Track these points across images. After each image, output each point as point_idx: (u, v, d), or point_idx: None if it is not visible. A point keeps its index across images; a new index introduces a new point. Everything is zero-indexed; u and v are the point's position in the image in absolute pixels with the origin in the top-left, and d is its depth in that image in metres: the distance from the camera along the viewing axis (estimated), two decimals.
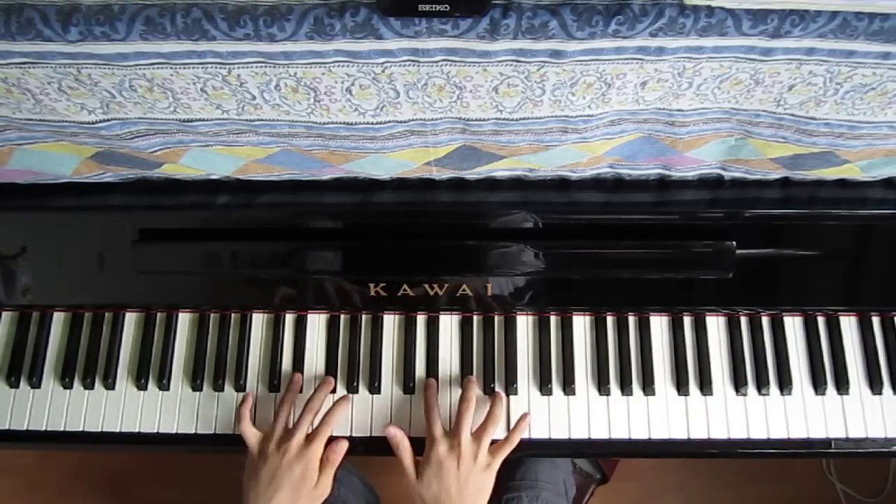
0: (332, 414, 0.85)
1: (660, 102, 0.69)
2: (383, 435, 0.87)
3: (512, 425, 0.87)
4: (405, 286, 0.87)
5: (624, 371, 0.90)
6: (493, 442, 0.83)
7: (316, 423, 0.85)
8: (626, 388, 0.90)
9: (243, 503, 0.80)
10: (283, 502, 0.78)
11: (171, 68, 0.61)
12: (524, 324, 0.93)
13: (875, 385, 0.89)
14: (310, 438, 0.82)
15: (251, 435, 0.84)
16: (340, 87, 0.64)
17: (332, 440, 0.85)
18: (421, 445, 0.84)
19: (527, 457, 1.00)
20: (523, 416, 0.87)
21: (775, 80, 0.64)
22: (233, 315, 0.94)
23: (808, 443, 0.87)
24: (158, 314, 0.94)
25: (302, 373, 0.91)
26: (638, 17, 0.55)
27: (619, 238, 0.85)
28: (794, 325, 0.92)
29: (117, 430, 0.90)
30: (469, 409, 0.83)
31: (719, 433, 0.88)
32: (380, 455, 0.89)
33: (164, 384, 0.91)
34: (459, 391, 0.89)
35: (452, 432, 0.82)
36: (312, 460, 0.80)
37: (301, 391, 0.89)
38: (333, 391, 0.90)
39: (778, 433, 0.88)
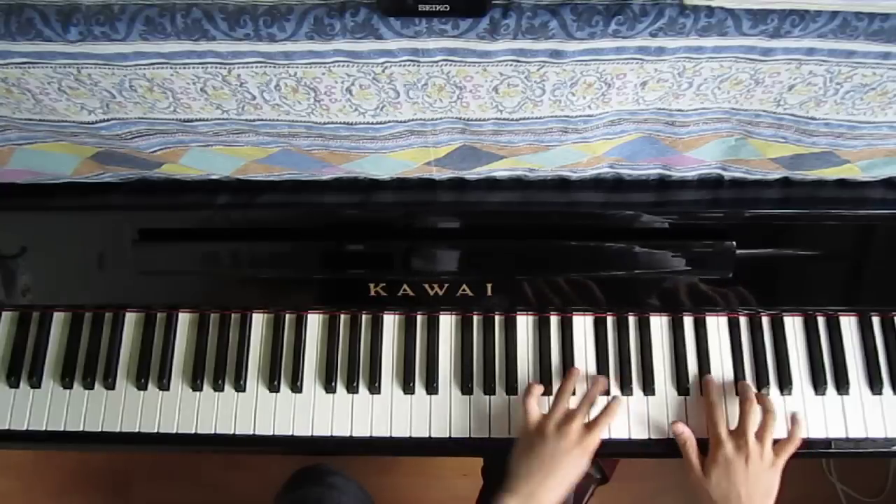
0: (614, 408, 0.86)
1: (660, 102, 0.69)
2: (383, 435, 0.87)
3: (788, 425, 0.87)
4: (405, 286, 0.87)
5: (624, 371, 0.90)
6: (775, 442, 0.84)
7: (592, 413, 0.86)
8: (626, 387, 0.90)
9: (512, 475, 0.80)
10: (557, 482, 0.79)
11: (171, 68, 0.61)
12: (524, 324, 0.93)
13: (875, 385, 0.89)
14: (589, 427, 0.84)
15: (534, 411, 0.85)
16: (340, 87, 0.64)
17: None
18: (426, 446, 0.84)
19: None
20: (796, 416, 0.87)
21: (775, 80, 0.64)
22: (233, 315, 0.94)
23: (808, 443, 0.87)
24: (158, 314, 0.94)
25: (302, 372, 0.91)
26: (638, 17, 0.55)
27: (619, 238, 0.85)
28: (794, 325, 0.92)
29: (117, 430, 0.90)
30: (753, 410, 0.84)
31: None
32: (379, 455, 0.89)
33: (164, 384, 0.91)
34: (460, 392, 0.89)
35: (737, 433, 0.83)
36: (589, 448, 0.82)
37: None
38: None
39: (778, 433, 0.87)
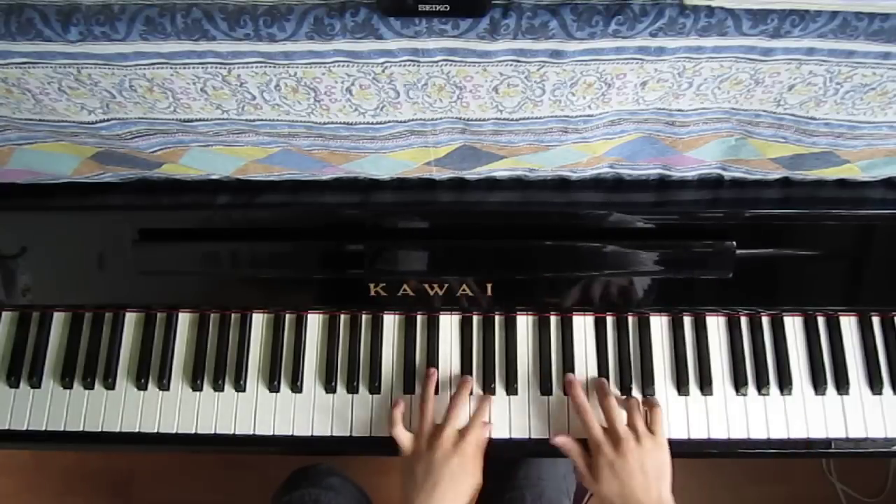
0: (483, 407, 0.86)
1: (660, 102, 0.69)
2: (383, 435, 0.87)
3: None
4: (405, 286, 0.87)
5: (624, 371, 0.90)
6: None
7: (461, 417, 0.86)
8: (625, 388, 0.90)
9: (405, 500, 0.80)
10: (445, 494, 0.78)
11: (171, 68, 0.61)
12: (524, 324, 0.93)
13: (875, 385, 0.89)
14: (463, 432, 0.83)
15: (404, 437, 0.84)
16: (340, 87, 0.64)
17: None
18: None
19: (528, 456, 1.00)
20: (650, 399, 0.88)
21: (775, 80, 0.64)
22: (233, 315, 0.94)
23: (808, 443, 0.87)
24: (158, 314, 0.94)
25: (302, 372, 0.91)
26: (638, 17, 0.55)
27: (618, 238, 0.85)
28: (794, 325, 0.92)
29: (117, 430, 0.90)
30: (612, 402, 0.84)
31: (719, 433, 0.88)
32: (378, 455, 0.89)
33: (164, 384, 0.91)
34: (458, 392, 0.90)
35: (608, 430, 0.82)
36: (467, 451, 0.82)
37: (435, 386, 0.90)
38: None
39: (778, 433, 0.88)
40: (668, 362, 0.91)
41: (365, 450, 0.89)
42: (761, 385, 0.89)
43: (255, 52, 0.59)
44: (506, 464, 0.84)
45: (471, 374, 0.91)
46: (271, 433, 0.89)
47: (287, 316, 0.93)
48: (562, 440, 0.85)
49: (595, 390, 0.88)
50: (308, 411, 0.90)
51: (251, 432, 0.89)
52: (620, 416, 0.83)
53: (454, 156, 0.79)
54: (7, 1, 0.56)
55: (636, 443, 0.80)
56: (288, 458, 0.96)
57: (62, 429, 0.90)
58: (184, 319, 0.94)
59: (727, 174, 0.85)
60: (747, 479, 1.53)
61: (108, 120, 0.70)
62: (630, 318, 0.92)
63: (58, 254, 0.90)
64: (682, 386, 0.89)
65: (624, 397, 0.87)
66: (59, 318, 0.95)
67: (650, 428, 0.83)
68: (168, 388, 0.91)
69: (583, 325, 0.92)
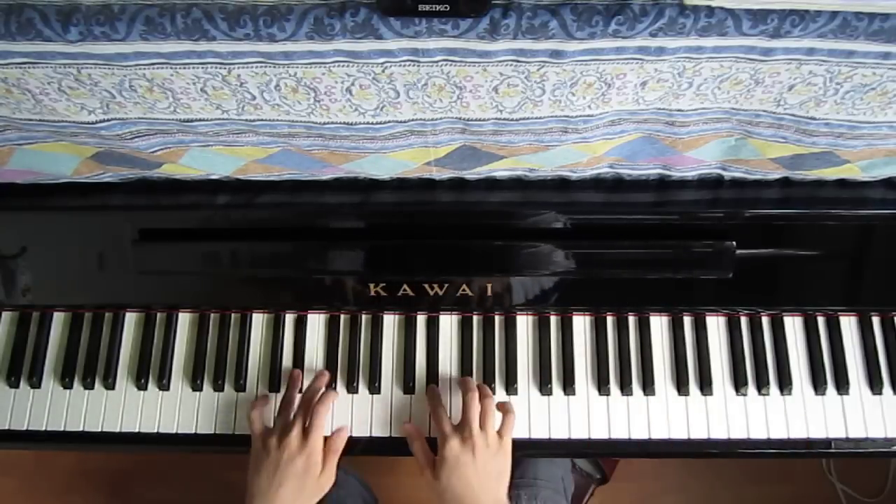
0: (322, 404, 0.85)
1: (660, 102, 0.69)
2: (383, 435, 0.87)
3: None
4: (405, 286, 0.87)
5: (624, 371, 0.90)
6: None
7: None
8: (625, 388, 0.90)
9: (248, 498, 0.80)
10: (287, 496, 0.78)
11: (171, 68, 0.61)
12: (524, 324, 0.93)
13: (875, 385, 0.89)
14: (307, 431, 0.82)
15: (257, 426, 0.84)
16: (340, 87, 0.64)
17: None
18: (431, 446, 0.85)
19: (527, 456, 1.00)
20: (503, 402, 0.87)
21: (775, 80, 0.64)
22: (233, 315, 0.94)
23: (808, 443, 0.87)
24: (158, 314, 0.94)
25: (302, 372, 0.91)
26: (638, 17, 0.55)
27: (618, 238, 0.85)
28: (794, 325, 0.92)
29: (117, 430, 0.90)
30: (474, 399, 0.84)
31: (719, 433, 0.88)
32: (379, 455, 0.89)
33: (164, 384, 0.91)
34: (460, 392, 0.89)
35: (461, 426, 0.82)
36: (313, 453, 0.81)
37: (301, 386, 0.89)
38: (330, 385, 0.90)
39: (778, 433, 0.88)
40: (668, 362, 0.91)
41: (365, 450, 0.89)
42: (761, 385, 0.89)
43: (255, 52, 0.59)
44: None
45: (471, 374, 0.91)
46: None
47: (287, 316, 0.93)
48: (408, 427, 0.86)
49: (459, 385, 0.88)
50: None
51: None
52: (476, 415, 0.83)
53: (454, 156, 0.79)
54: (7, 1, 0.56)
55: (484, 443, 0.80)
56: None
57: (62, 429, 0.90)
58: (184, 319, 0.94)
59: (727, 174, 0.85)
60: (747, 479, 1.53)
61: (108, 120, 0.70)
62: (630, 318, 0.92)
63: (58, 254, 0.90)
64: (682, 386, 0.89)
65: (484, 397, 0.85)
66: (59, 318, 0.95)
67: (500, 432, 0.83)
68: (168, 388, 0.91)
69: (583, 325, 0.92)
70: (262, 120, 0.70)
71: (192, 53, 0.59)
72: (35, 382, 0.92)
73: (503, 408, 0.86)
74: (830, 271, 0.89)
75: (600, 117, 0.70)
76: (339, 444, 0.85)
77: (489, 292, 0.88)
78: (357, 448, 0.89)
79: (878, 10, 0.55)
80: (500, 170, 0.83)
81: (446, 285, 0.87)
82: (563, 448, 0.89)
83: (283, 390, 0.91)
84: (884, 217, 0.86)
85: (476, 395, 0.84)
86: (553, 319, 0.93)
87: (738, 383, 0.89)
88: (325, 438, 0.83)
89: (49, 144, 0.77)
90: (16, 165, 0.81)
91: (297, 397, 0.87)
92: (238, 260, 0.88)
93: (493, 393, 0.90)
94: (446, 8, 0.53)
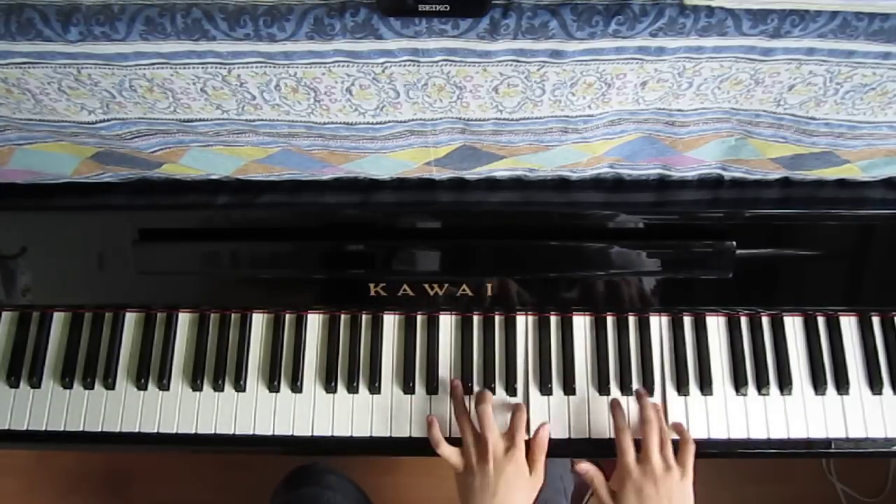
0: (520, 413, 0.85)
1: (660, 102, 0.69)
2: (383, 435, 0.87)
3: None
4: (405, 286, 0.87)
5: (624, 371, 0.90)
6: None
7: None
8: (625, 388, 0.90)
9: None
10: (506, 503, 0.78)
11: (171, 68, 0.61)
12: (524, 324, 0.93)
13: (875, 385, 0.89)
14: (508, 436, 0.83)
15: (452, 453, 0.84)
16: (340, 87, 0.64)
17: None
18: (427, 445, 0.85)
19: None
20: (680, 425, 0.87)
21: (775, 80, 0.64)
22: (233, 315, 0.94)
23: (808, 443, 0.87)
24: (158, 314, 0.94)
25: (302, 372, 0.91)
26: (638, 17, 0.55)
27: (618, 238, 0.85)
28: (794, 325, 0.92)
29: (117, 430, 0.90)
30: (654, 429, 0.82)
31: (719, 433, 0.88)
32: (379, 455, 0.89)
33: (164, 384, 0.91)
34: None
35: (642, 456, 0.80)
36: (518, 455, 0.81)
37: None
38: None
39: (778, 433, 0.88)
40: (668, 362, 0.91)
41: (365, 450, 0.89)
42: (761, 385, 0.89)
43: (255, 52, 0.59)
44: None
45: (471, 373, 0.91)
46: (271, 433, 0.89)
47: (287, 316, 0.93)
48: (586, 467, 0.83)
49: (641, 412, 0.85)
50: (308, 411, 0.90)
51: (251, 432, 0.89)
52: (656, 444, 0.81)
53: (454, 156, 0.79)
54: (7, 1, 0.56)
55: (666, 472, 0.79)
56: (288, 458, 0.96)
57: (62, 429, 0.90)
58: (184, 319, 0.94)
59: (727, 174, 0.85)
60: (747, 479, 1.53)
61: (108, 120, 0.70)
62: (630, 318, 0.92)
63: (58, 254, 0.90)
64: (682, 386, 0.89)
65: (658, 425, 0.84)
66: (59, 318, 0.95)
67: (680, 460, 0.82)
68: (168, 388, 0.91)
69: (583, 325, 0.92)
70: (262, 120, 0.70)
71: (192, 53, 0.59)
72: (35, 382, 0.92)
73: (683, 437, 0.84)
74: (830, 271, 0.89)
75: (600, 117, 0.70)
76: (543, 442, 0.84)
77: (489, 292, 0.88)
78: (356, 449, 0.89)
79: (878, 10, 0.55)
80: (500, 170, 0.83)
81: (446, 285, 0.87)
82: (564, 448, 0.88)
83: (283, 390, 0.90)
84: (884, 217, 0.86)
85: (656, 425, 0.82)
86: (553, 319, 0.93)
87: (738, 383, 0.89)
88: (526, 440, 0.83)
89: (49, 144, 0.77)
90: (16, 165, 0.81)
91: (464, 409, 0.85)
92: (238, 260, 0.88)
93: (493, 393, 0.90)
94: (446, 8, 0.53)
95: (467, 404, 0.87)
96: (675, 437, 0.85)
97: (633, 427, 0.86)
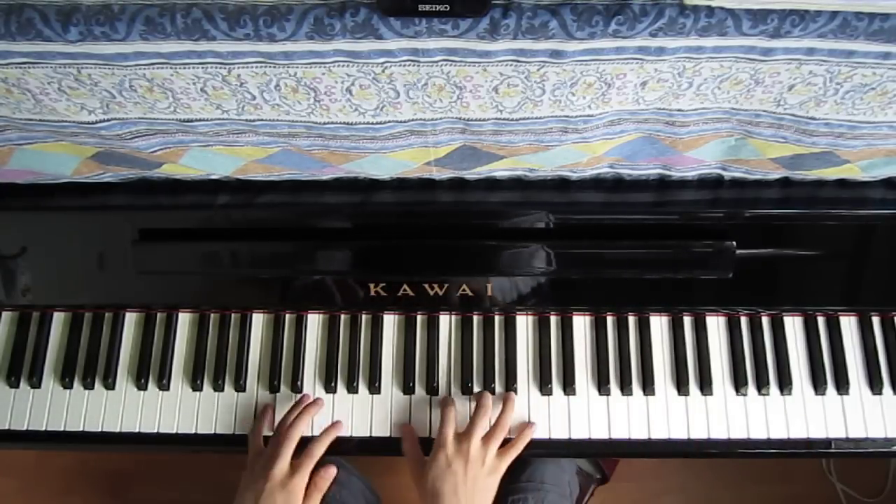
0: (317, 444, 0.84)
1: (660, 102, 0.69)
2: (383, 435, 0.87)
3: (517, 427, 0.88)
4: (405, 286, 0.87)
5: (624, 371, 0.90)
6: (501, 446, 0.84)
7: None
8: (626, 388, 0.90)
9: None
10: None
11: (171, 68, 0.61)
12: (524, 324, 0.93)
13: (875, 385, 0.89)
14: (294, 467, 0.80)
15: (253, 445, 0.84)
16: (340, 87, 0.64)
17: (319, 465, 0.83)
18: (426, 447, 0.85)
19: (527, 457, 1.00)
20: (529, 425, 0.87)
21: (775, 80, 0.64)
22: (233, 315, 0.94)
23: (808, 443, 0.87)
24: (158, 314, 0.94)
25: (302, 372, 0.91)
26: (638, 17, 0.55)
27: (619, 238, 0.85)
28: (794, 325, 0.92)
29: (117, 430, 0.90)
30: (485, 415, 0.85)
31: (719, 433, 0.88)
32: (380, 455, 0.89)
33: (164, 384, 0.91)
34: (460, 392, 0.90)
35: (463, 435, 0.83)
36: (294, 491, 0.79)
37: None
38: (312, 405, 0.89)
39: (778, 433, 0.88)
40: (668, 362, 0.91)
41: (365, 450, 0.89)
42: (761, 385, 0.89)
43: (255, 52, 0.59)
44: (510, 464, 0.83)
45: (471, 373, 0.91)
46: (271, 433, 0.89)
47: (287, 316, 0.93)
48: (404, 427, 0.87)
49: (477, 398, 0.88)
50: None
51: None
52: (481, 430, 0.83)
53: (454, 156, 0.79)
54: (7, 1, 0.56)
55: (478, 458, 0.81)
56: None
57: (62, 429, 0.90)
58: (184, 319, 0.94)
59: (727, 174, 0.85)
60: (747, 479, 1.53)
61: (108, 120, 0.70)
62: (630, 318, 0.92)
63: (58, 254, 0.90)
64: (682, 386, 0.89)
65: (502, 413, 0.86)
66: (59, 318, 0.95)
67: (499, 454, 0.83)
68: (168, 388, 0.91)
69: (583, 325, 0.92)
70: (262, 120, 0.70)
71: (192, 53, 0.59)
72: (35, 382, 0.92)
73: (517, 438, 0.86)
74: (830, 271, 0.89)
75: (600, 117, 0.70)
76: (325, 483, 0.83)
77: (489, 292, 0.88)
78: (356, 449, 0.89)
79: (878, 10, 0.55)
80: (500, 170, 0.83)
81: (446, 285, 0.87)
82: (563, 448, 0.89)
83: (283, 390, 0.91)
84: (884, 217, 0.86)
85: (488, 411, 0.85)
86: (553, 319, 0.93)
87: (738, 383, 0.89)
88: (312, 473, 0.82)
89: (49, 144, 0.77)
90: (16, 165, 0.81)
91: (299, 424, 0.84)
92: (238, 260, 0.88)
93: (493, 393, 0.90)
94: (446, 8, 0.53)
95: (291, 419, 0.86)
96: (512, 436, 0.87)
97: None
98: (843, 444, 0.88)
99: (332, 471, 0.85)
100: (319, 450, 0.84)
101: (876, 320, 0.92)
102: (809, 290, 0.90)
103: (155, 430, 0.90)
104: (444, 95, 0.65)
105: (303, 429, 0.84)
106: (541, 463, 1.02)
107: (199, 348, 0.92)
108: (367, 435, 0.89)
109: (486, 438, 0.83)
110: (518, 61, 0.59)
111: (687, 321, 0.92)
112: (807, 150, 0.76)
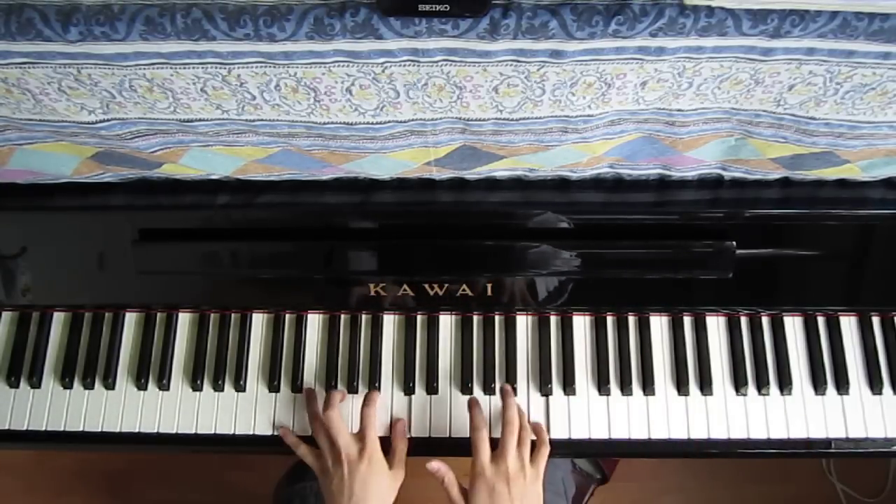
0: (368, 408, 0.85)
1: (660, 102, 0.69)
2: (383, 435, 0.87)
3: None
4: (405, 286, 0.87)
5: (624, 371, 0.90)
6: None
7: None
8: (626, 388, 0.90)
9: None
10: (365, 502, 0.78)
11: (171, 68, 0.61)
12: (524, 324, 0.93)
13: (875, 385, 0.89)
14: (359, 436, 0.83)
15: (307, 454, 0.85)
16: (340, 87, 0.64)
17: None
18: (427, 445, 0.85)
19: None
20: (539, 425, 0.87)
21: (775, 80, 0.64)
22: (233, 315, 0.94)
23: (808, 443, 0.87)
24: (158, 314, 0.94)
25: (302, 372, 0.91)
26: (638, 17, 0.55)
27: (619, 238, 0.85)
28: (794, 325, 0.92)
29: (117, 430, 0.90)
30: (514, 431, 0.81)
31: (719, 433, 0.88)
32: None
33: (164, 384, 0.91)
34: (460, 392, 0.90)
35: (498, 455, 0.80)
36: (370, 454, 0.81)
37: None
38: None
39: (778, 433, 0.88)
40: (668, 362, 0.91)
41: None
42: (761, 385, 0.89)
43: (255, 52, 0.59)
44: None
45: (471, 374, 0.91)
46: (271, 433, 0.89)
47: (287, 316, 0.93)
48: (436, 465, 0.82)
49: (503, 413, 0.84)
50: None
51: (251, 432, 0.89)
52: (514, 446, 0.81)
53: (454, 156, 0.79)
54: (7, 1, 0.56)
55: (519, 473, 0.79)
56: (288, 458, 0.96)
57: (62, 429, 0.90)
58: (184, 319, 0.94)
59: (727, 174, 0.85)
60: (747, 479, 1.53)
61: (108, 120, 0.70)
62: (630, 318, 0.92)
63: (58, 254, 0.90)
64: (682, 386, 0.89)
65: (522, 428, 0.83)
66: (59, 318, 0.95)
67: (533, 461, 0.82)
68: (168, 388, 0.91)
69: (583, 325, 0.92)
70: (262, 120, 0.70)
71: (192, 53, 0.59)
72: (35, 382, 0.92)
73: (541, 438, 0.85)
74: (830, 271, 0.89)
75: (600, 117, 0.70)
76: (400, 433, 0.85)
77: (489, 292, 0.88)
78: None
79: (878, 10, 0.55)
80: (500, 170, 0.83)
81: (446, 285, 0.87)
82: (563, 448, 0.88)
83: (283, 390, 0.91)
84: (884, 217, 0.86)
85: (516, 426, 0.82)
86: (553, 319, 0.93)
87: (738, 383, 0.89)
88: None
89: (49, 144, 0.77)
90: (16, 165, 0.81)
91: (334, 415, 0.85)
92: (238, 260, 0.88)
93: (493, 393, 0.90)
94: (446, 8, 0.54)
95: (319, 409, 0.87)
96: (534, 437, 0.86)
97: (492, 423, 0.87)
98: (843, 444, 0.88)
99: (402, 423, 0.87)
100: (371, 413, 0.85)
101: (876, 320, 0.92)
102: (809, 290, 0.90)
103: (155, 430, 0.90)
104: (444, 95, 0.65)
105: (337, 410, 0.84)
106: None
107: (199, 348, 0.92)
108: None
109: (518, 450, 0.81)
110: (518, 61, 0.59)
111: (687, 321, 0.92)
112: (807, 150, 0.76)
